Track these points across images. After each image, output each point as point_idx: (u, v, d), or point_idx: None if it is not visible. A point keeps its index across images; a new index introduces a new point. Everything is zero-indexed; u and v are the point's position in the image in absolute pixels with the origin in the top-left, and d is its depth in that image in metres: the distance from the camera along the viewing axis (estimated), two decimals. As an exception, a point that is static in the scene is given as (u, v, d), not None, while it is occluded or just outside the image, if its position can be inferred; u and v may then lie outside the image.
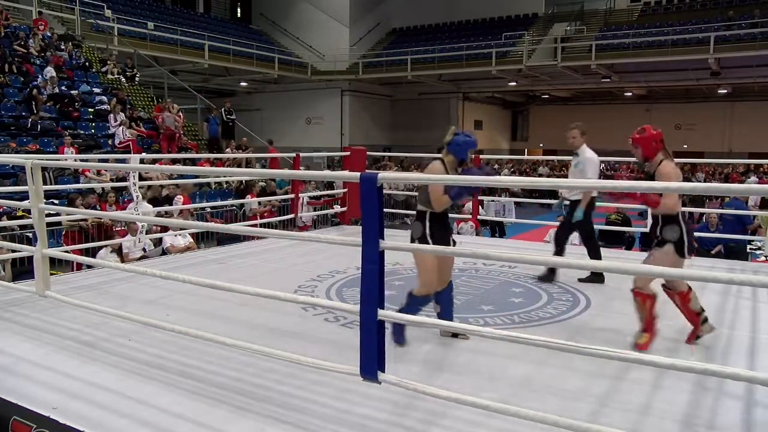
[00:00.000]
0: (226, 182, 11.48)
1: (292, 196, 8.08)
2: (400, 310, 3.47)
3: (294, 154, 7.96)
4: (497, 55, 22.12)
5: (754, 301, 4.54)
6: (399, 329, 3.56)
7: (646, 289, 3.50)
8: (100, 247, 6.90)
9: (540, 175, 23.01)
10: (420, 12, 27.57)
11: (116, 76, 15.43)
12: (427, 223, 3.51)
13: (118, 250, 7.16)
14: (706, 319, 3.61)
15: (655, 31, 21.38)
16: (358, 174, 2.48)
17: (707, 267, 5.56)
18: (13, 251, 5.42)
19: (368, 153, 8.58)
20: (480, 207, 8.80)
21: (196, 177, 8.75)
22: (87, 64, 15.11)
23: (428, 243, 3.48)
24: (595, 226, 5.34)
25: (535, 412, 2.19)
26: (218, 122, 15.83)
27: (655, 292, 3.52)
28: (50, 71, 13.42)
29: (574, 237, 5.66)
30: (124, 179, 6.98)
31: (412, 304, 3.55)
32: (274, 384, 2.97)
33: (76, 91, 13.54)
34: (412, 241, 3.57)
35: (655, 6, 25.47)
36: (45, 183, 4.99)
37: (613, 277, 4.82)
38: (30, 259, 4.32)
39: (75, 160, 8.42)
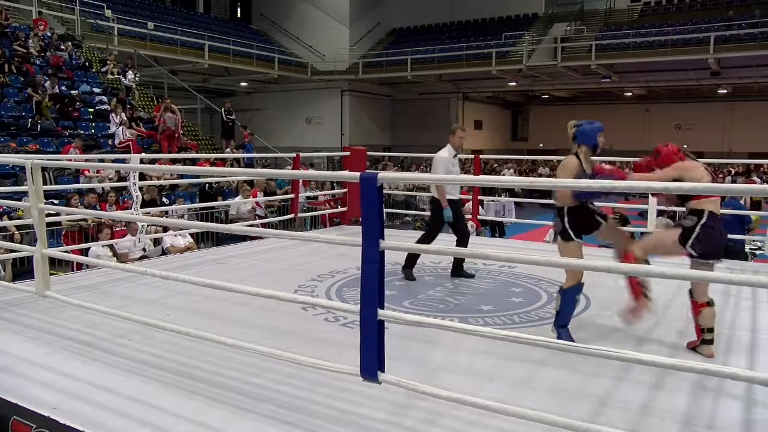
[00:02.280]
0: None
1: (292, 196, 8.08)
2: (559, 312, 3.62)
3: (294, 154, 7.96)
4: (497, 55, 22.11)
5: (754, 301, 4.54)
6: (566, 334, 3.59)
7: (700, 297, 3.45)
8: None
9: (540, 175, 22.99)
10: (420, 12, 27.54)
11: (116, 76, 15.43)
12: (566, 218, 3.57)
13: (111, 245, 7.13)
14: (710, 341, 3.43)
15: (655, 31, 21.38)
16: (358, 174, 2.47)
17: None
18: (13, 251, 5.43)
19: (368, 153, 8.57)
20: (480, 207, 8.78)
21: (196, 176, 8.76)
22: (87, 64, 15.10)
23: (570, 237, 3.55)
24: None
25: (535, 412, 2.19)
26: (253, 146, 15.56)
27: (710, 299, 3.46)
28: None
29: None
30: (124, 179, 6.98)
31: (568, 298, 3.61)
32: (274, 384, 2.97)
33: (76, 91, 13.53)
34: (555, 236, 3.70)
35: (655, 6, 25.45)
36: (45, 183, 4.98)
37: (614, 276, 4.81)
38: (30, 259, 4.31)
39: (75, 161, 8.41)
